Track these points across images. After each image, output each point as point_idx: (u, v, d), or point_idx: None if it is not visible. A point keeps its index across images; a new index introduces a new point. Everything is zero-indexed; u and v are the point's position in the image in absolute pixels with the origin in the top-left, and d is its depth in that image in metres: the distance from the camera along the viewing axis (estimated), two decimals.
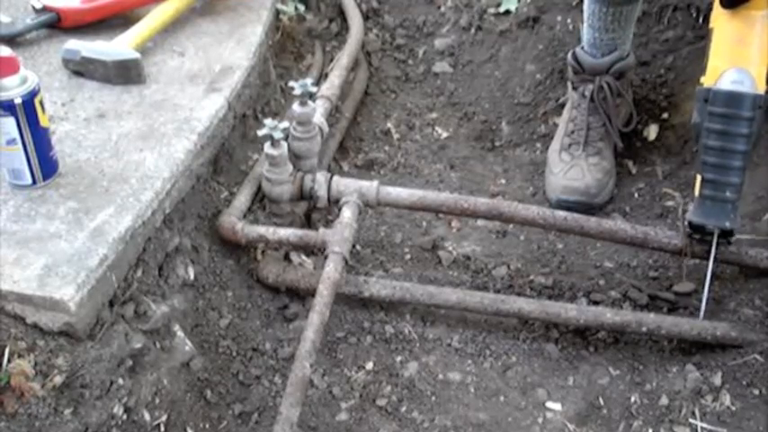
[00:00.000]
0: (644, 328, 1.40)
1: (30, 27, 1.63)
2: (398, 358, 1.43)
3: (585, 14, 1.73)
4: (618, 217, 1.71)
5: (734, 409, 1.31)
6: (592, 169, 1.73)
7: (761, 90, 1.33)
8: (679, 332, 1.39)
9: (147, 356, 1.23)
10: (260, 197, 1.58)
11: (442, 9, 2.19)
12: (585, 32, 1.75)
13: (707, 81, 1.37)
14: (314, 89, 1.51)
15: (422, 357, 1.44)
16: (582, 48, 1.78)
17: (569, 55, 1.80)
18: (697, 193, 1.40)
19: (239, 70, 1.60)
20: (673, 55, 1.90)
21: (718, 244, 1.41)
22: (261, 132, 1.45)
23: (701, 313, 1.41)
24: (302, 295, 1.51)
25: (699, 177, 1.39)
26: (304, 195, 1.54)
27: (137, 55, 1.54)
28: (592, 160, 1.75)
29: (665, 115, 1.88)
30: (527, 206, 1.52)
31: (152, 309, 1.26)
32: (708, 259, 1.43)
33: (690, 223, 1.41)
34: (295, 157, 1.54)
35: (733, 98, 1.33)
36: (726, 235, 1.40)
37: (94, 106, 1.48)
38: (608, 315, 1.41)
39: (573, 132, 1.78)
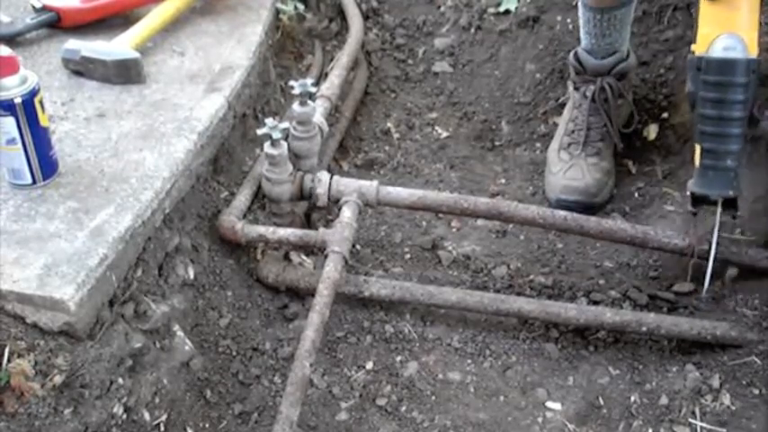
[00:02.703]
0: (644, 328, 1.40)
1: (29, 27, 1.63)
2: (398, 358, 1.43)
3: (581, 21, 1.73)
4: (618, 217, 1.71)
5: (733, 408, 1.31)
6: (591, 169, 1.73)
7: (753, 54, 1.30)
8: (679, 332, 1.40)
9: (147, 356, 1.23)
10: (260, 197, 1.58)
11: (442, 9, 2.19)
12: (583, 38, 1.75)
13: (698, 49, 1.34)
14: (314, 89, 1.51)
15: (422, 357, 1.44)
16: (583, 48, 1.78)
17: (571, 55, 1.80)
18: (697, 163, 1.37)
19: (239, 70, 1.60)
20: (673, 55, 1.90)
21: (722, 214, 1.39)
22: (260, 132, 1.45)
23: (705, 285, 1.43)
24: (302, 295, 1.51)
25: (698, 147, 1.37)
26: (304, 195, 1.54)
27: (137, 55, 1.54)
28: (591, 160, 1.75)
29: (665, 115, 1.88)
30: (527, 206, 1.52)
31: (152, 308, 1.26)
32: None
33: (692, 194, 1.39)
34: (295, 156, 1.54)
35: (726, 65, 1.29)
36: (729, 204, 1.38)
37: (94, 106, 1.48)
38: (608, 315, 1.41)
39: (573, 132, 1.78)
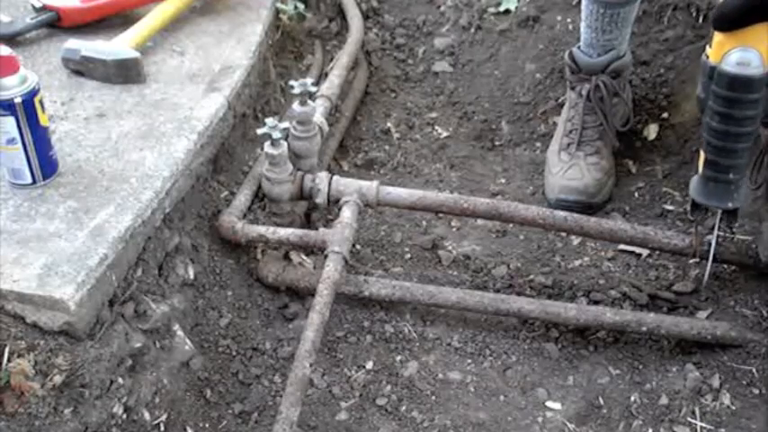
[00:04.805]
0: (644, 328, 1.40)
1: (29, 26, 1.63)
2: (398, 358, 1.43)
3: (583, 14, 1.73)
4: (618, 217, 1.71)
5: (734, 408, 1.31)
6: (591, 169, 1.73)
7: None
8: (679, 332, 1.40)
9: (147, 356, 1.23)
10: (260, 197, 1.58)
11: (442, 8, 2.19)
12: (583, 32, 1.75)
13: (712, 57, 1.26)
14: (314, 88, 1.51)
15: (421, 357, 1.44)
16: (579, 47, 1.78)
17: (566, 55, 1.80)
18: (700, 170, 1.34)
19: (239, 69, 1.60)
20: (673, 54, 1.90)
21: (721, 219, 1.38)
22: (260, 131, 1.45)
23: (704, 282, 1.45)
24: (302, 295, 1.51)
25: (702, 154, 1.33)
26: (304, 195, 1.54)
27: (137, 54, 1.54)
28: (590, 160, 1.75)
29: (665, 115, 1.88)
30: (527, 206, 1.52)
31: (152, 308, 1.26)
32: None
33: (692, 200, 1.36)
34: (295, 156, 1.54)
35: (738, 81, 1.23)
36: (729, 212, 1.36)
37: (94, 105, 1.48)
38: (608, 315, 1.41)
39: (571, 132, 1.78)
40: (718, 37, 1.26)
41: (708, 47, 1.29)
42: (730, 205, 1.33)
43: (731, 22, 1.22)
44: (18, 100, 1.20)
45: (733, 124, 1.26)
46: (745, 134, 1.27)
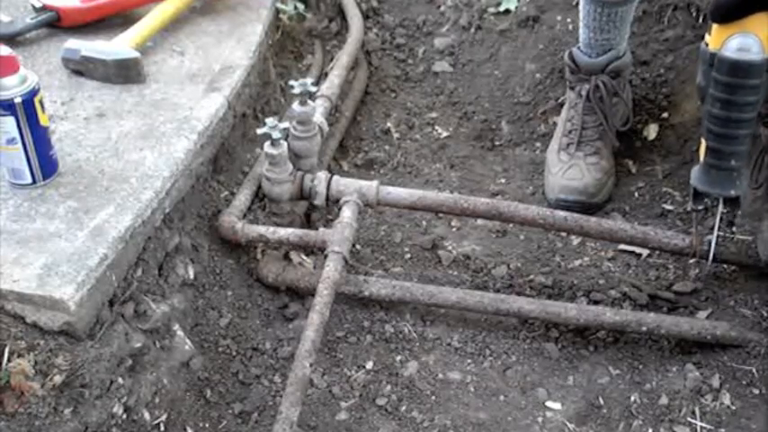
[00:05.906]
0: (644, 328, 1.40)
1: (29, 26, 1.63)
2: (398, 358, 1.43)
3: (581, 14, 1.73)
4: (617, 216, 1.71)
5: (734, 408, 1.31)
6: (590, 169, 1.73)
7: None
8: (679, 332, 1.40)
9: (147, 356, 1.23)
10: (260, 197, 1.58)
11: (442, 8, 2.19)
12: (581, 32, 1.75)
13: (712, 43, 1.26)
14: (314, 88, 1.51)
15: (421, 357, 1.44)
16: (578, 47, 1.78)
17: (566, 55, 1.80)
18: (701, 158, 1.35)
19: (239, 69, 1.60)
20: (673, 54, 1.90)
21: (722, 217, 1.38)
22: (260, 131, 1.45)
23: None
24: (302, 295, 1.51)
25: (703, 143, 1.33)
26: (304, 195, 1.54)
27: (137, 54, 1.54)
28: (590, 160, 1.75)
29: (665, 115, 1.88)
30: (527, 206, 1.52)
31: (152, 308, 1.26)
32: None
33: (694, 189, 1.36)
34: (295, 156, 1.55)
35: (739, 67, 1.22)
36: (731, 201, 1.37)
37: (94, 105, 1.48)
38: (608, 314, 1.41)
39: (571, 132, 1.78)
40: (716, 25, 1.26)
41: (707, 34, 1.29)
42: (732, 193, 1.33)
43: (728, 15, 1.23)
44: (18, 100, 1.20)
45: (734, 110, 1.26)
46: (746, 120, 1.27)
